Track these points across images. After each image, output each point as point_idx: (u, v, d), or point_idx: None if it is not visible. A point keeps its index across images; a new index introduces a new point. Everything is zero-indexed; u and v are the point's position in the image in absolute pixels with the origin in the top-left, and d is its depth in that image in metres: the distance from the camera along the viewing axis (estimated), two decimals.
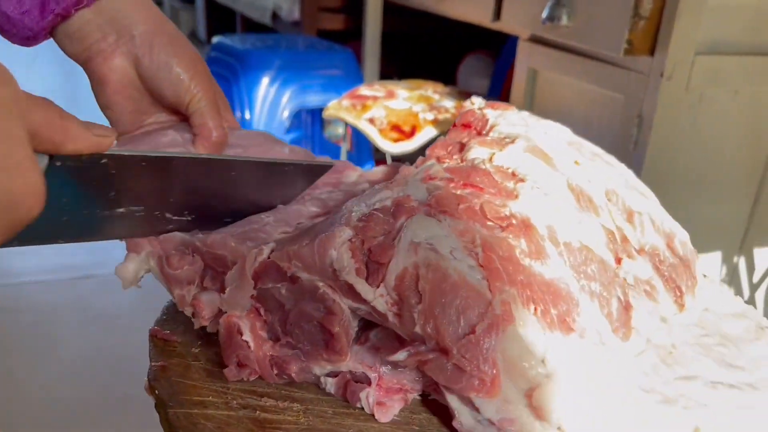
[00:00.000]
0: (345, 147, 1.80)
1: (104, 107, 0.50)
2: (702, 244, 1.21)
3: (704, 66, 1.02)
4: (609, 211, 0.45)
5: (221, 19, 4.12)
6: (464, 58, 2.38)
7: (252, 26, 3.39)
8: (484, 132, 0.49)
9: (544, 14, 1.15)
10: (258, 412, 0.37)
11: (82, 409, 1.29)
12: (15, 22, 0.46)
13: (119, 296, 1.67)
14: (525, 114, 0.52)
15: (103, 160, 0.37)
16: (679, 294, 0.45)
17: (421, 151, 1.47)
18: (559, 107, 1.25)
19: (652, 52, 1.02)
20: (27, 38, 0.47)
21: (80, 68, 0.51)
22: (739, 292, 1.26)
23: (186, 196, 0.45)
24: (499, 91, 2.13)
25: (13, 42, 0.48)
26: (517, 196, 0.41)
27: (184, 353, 0.41)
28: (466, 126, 0.51)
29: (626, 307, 0.40)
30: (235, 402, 0.38)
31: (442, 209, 0.39)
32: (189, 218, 0.47)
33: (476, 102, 0.54)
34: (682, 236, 0.49)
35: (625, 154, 1.09)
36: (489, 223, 0.39)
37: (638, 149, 1.06)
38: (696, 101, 1.04)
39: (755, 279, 1.26)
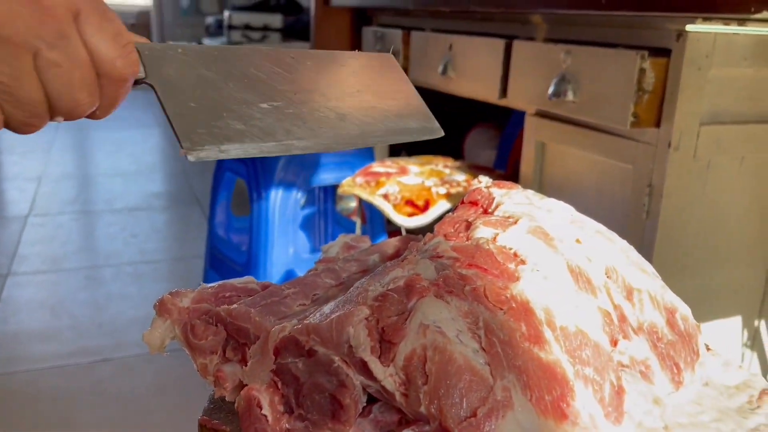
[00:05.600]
0: (358, 221, 1.83)
1: None
2: (721, 309, 1.22)
3: (709, 135, 1.05)
4: (608, 290, 0.46)
5: None
6: (471, 131, 2.45)
7: None
8: (490, 210, 0.51)
9: (550, 90, 1.20)
10: None
11: None
12: None
13: (136, 379, 1.66)
14: (530, 192, 0.54)
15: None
16: (676, 371, 0.46)
17: (436, 223, 1.49)
18: (569, 179, 1.28)
19: (657, 123, 1.05)
20: None
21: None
22: (762, 355, 1.25)
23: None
24: (505, 162, 2.18)
25: None
26: (518, 278, 0.43)
27: None
28: (474, 203, 0.53)
29: (618, 392, 0.41)
30: None
31: (449, 290, 0.42)
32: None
33: (483, 180, 0.56)
34: (683, 311, 0.50)
35: (637, 223, 1.11)
36: (491, 305, 0.41)
37: (651, 218, 1.08)
38: (704, 169, 1.07)
39: None
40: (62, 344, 1.76)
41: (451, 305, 0.40)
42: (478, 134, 2.43)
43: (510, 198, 0.52)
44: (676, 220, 1.08)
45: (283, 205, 1.64)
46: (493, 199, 0.53)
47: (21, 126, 0.37)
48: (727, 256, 1.16)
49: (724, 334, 1.21)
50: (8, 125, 0.37)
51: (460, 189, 1.41)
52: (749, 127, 1.08)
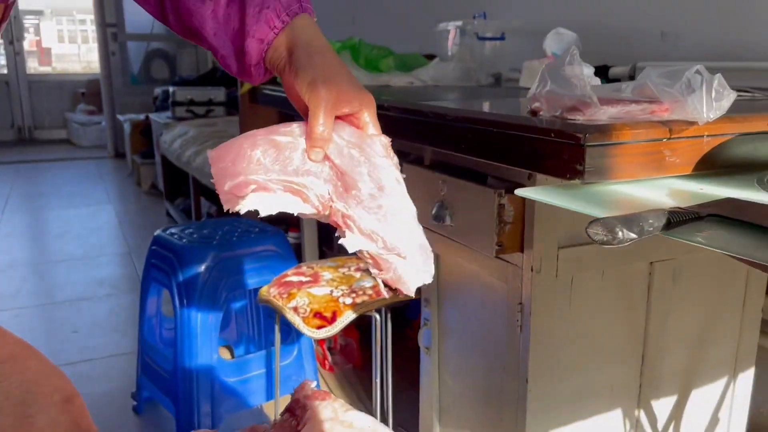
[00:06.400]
0: None
1: None
2: (601, 405, 1.32)
3: (569, 256, 1.17)
4: None
5: (178, 174, 4.33)
6: None
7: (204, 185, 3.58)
8: (301, 424, 0.61)
9: (432, 213, 1.31)
10: None
11: None
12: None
13: None
14: (338, 405, 0.63)
15: None
16: None
17: (342, 333, 1.58)
18: (460, 289, 1.38)
19: (521, 249, 1.17)
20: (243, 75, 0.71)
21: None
22: None
23: None
24: None
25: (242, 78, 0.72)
26: None
27: None
28: (292, 413, 0.63)
29: None
30: None
31: None
32: None
33: (306, 387, 0.65)
34: None
35: (514, 336, 1.21)
36: None
37: (524, 332, 1.19)
38: (567, 286, 1.19)
39: (659, 429, 1.36)
40: None
41: None
42: None
43: (320, 412, 0.62)
44: (546, 333, 1.19)
45: (206, 314, 1.71)
46: (306, 410, 0.62)
47: None
48: (600, 359, 1.26)
49: (605, 427, 1.31)
50: None
51: (366, 297, 1.51)
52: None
